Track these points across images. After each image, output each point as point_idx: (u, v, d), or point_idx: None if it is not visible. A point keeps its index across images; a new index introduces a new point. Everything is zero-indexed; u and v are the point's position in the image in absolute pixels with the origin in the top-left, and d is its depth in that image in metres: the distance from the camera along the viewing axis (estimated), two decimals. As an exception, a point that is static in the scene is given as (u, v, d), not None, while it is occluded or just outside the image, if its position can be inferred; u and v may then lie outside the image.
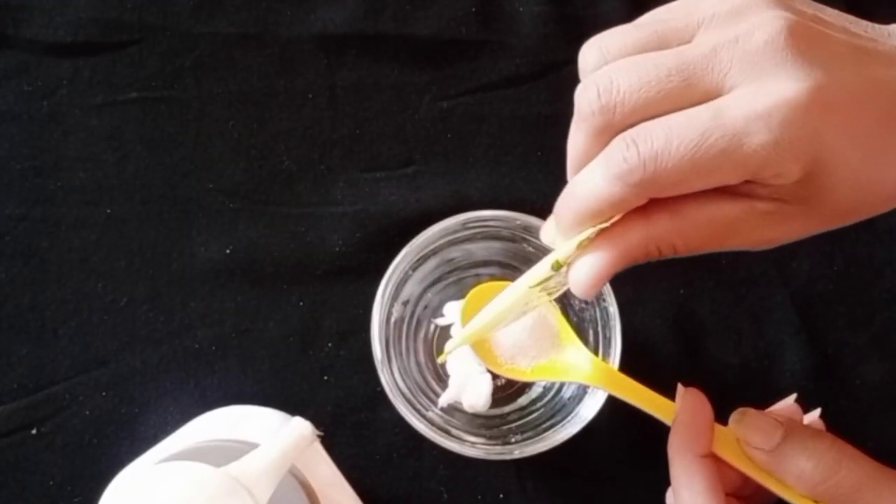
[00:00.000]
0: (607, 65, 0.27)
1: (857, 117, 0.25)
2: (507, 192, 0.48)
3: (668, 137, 0.25)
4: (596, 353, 0.42)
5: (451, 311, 0.44)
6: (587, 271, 0.27)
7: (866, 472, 0.30)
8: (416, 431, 0.40)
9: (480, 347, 0.40)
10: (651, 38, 0.27)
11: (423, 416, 0.40)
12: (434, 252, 0.44)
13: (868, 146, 0.26)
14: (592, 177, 0.26)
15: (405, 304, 0.44)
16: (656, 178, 0.25)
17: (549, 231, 0.30)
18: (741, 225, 0.27)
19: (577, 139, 0.28)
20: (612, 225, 0.27)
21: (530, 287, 0.30)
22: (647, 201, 0.26)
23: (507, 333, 0.41)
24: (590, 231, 0.27)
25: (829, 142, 0.25)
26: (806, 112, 0.24)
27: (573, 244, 0.28)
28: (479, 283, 0.43)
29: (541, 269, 0.29)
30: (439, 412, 0.43)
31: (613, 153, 0.26)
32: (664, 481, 0.34)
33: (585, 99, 0.27)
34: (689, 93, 0.26)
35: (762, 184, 0.26)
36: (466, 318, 0.41)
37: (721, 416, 0.47)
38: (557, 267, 0.29)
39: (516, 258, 0.45)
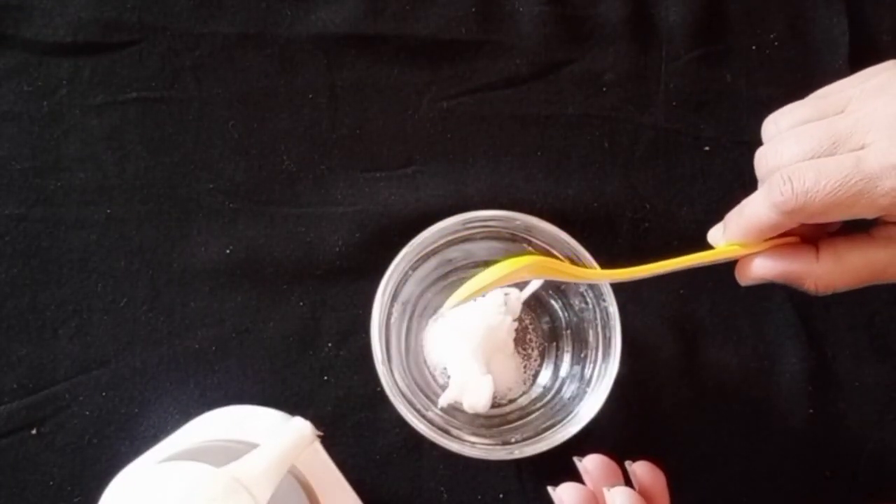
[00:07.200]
0: (779, 134, 0.35)
1: None
2: (507, 192, 0.48)
3: (818, 178, 0.31)
4: (596, 353, 0.42)
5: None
6: (756, 266, 0.35)
7: None
8: (415, 431, 0.39)
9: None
10: (812, 112, 0.34)
11: (423, 416, 0.40)
12: (434, 252, 0.44)
13: None
14: (756, 202, 0.34)
15: (405, 303, 0.44)
16: (805, 209, 0.32)
17: (717, 234, 0.37)
18: (891, 268, 0.33)
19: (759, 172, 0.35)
20: (790, 247, 0.35)
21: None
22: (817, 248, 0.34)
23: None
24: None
25: None
26: None
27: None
28: None
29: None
30: (439, 412, 0.43)
31: (774, 186, 0.32)
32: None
33: (761, 160, 0.35)
34: (837, 151, 0.32)
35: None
36: None
37: (718, 417, 0.47)
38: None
39: (516, 258, 0.45)
